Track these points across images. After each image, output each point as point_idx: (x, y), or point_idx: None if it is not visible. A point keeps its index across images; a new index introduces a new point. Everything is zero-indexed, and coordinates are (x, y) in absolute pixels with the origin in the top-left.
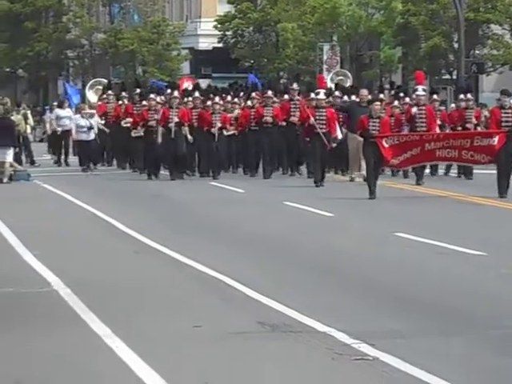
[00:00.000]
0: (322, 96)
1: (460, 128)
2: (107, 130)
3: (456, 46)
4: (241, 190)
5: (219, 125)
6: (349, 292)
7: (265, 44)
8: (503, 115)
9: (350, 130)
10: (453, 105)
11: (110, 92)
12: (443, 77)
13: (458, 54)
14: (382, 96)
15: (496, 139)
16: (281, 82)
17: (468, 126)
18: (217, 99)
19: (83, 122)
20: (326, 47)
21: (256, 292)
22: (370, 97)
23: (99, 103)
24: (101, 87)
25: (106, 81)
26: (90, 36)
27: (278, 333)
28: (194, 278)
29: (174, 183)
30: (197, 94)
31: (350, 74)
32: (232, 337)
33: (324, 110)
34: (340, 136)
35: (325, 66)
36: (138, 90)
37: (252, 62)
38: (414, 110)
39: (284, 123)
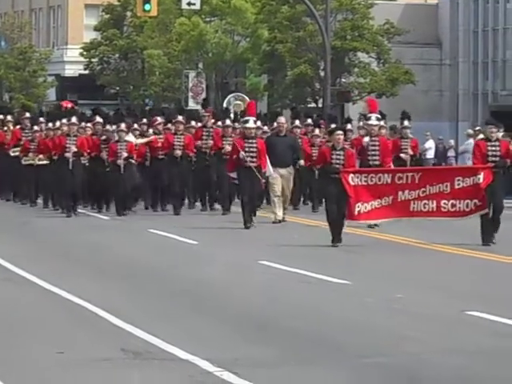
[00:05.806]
0: (251, 124)
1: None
2: None
3: (322, 74)
4: (106, 218)
5: (125, 154)
6: (212, 320)
7: (130, 71)
8: (489, 148)
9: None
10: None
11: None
12: (309, 105)
13: (324, 82)
14: (297, 123)
15: (481, 176)
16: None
17: (403, 156)
18: (122, 126)
19: None
20: (192, 74)
21: (120, 319)
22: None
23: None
24: None
25: None
26: None
27: (140, 360)
28: (58, 304)
29: (40, 211)
30: (98, 118)
31: (247, 99)
32: (94, 363)
33: (254, 141)
34: (272, 171)
35: (190, 94)
36: (28, 115)
37: (117, 88)
38: (366, 139)
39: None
